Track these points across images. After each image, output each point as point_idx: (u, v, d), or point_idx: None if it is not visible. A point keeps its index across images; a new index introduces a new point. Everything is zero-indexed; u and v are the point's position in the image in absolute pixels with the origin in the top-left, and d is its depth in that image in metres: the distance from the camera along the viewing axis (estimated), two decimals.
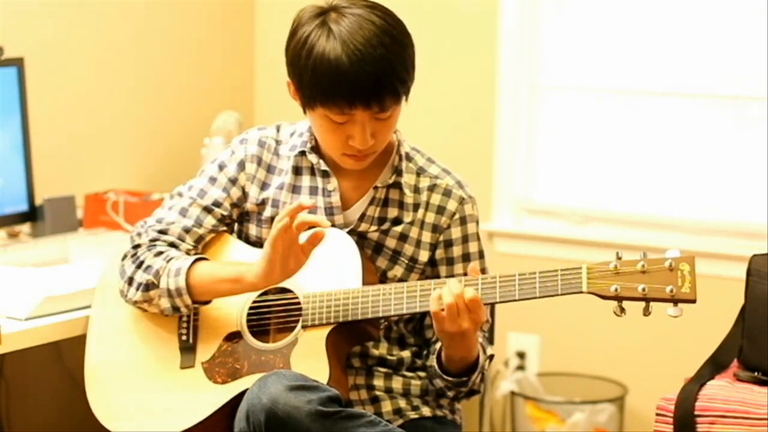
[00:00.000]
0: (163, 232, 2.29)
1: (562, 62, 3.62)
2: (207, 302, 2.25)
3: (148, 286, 2.23)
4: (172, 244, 2.29)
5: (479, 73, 3.64)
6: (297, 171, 2.31)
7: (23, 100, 2.94)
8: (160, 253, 2.26)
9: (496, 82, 3.62)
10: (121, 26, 3.43)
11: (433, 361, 2.23)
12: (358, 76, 2.09)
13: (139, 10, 3.49)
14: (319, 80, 2.11)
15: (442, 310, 2.08)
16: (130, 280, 2.26)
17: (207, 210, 2.31)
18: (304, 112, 2.22)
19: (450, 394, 2.26)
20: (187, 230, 2.29)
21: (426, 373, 2.31)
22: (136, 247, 2.29)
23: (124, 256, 2.29)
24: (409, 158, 2.32)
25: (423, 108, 3.26)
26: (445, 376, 2.20)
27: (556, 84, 3.63)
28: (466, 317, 2.07)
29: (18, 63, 2.93)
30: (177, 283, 2.20)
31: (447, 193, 2.30)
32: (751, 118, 3.40)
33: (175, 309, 2.24)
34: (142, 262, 2.25)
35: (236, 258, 2.30)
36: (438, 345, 2.23)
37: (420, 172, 2.31)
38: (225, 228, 2.34)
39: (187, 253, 2.28)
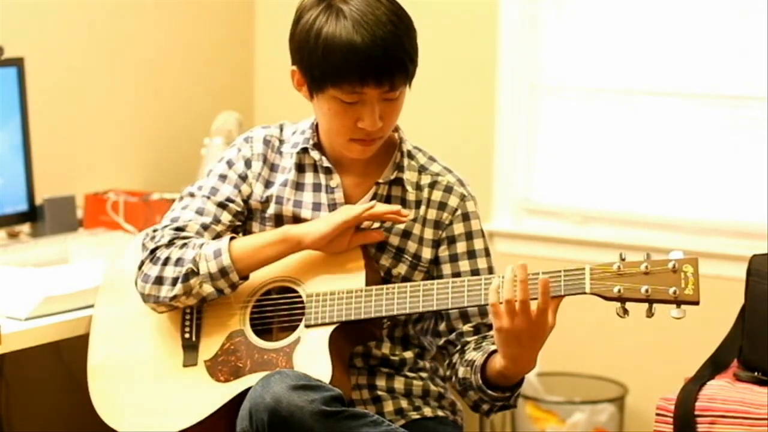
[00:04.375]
0: (180, 229, 2.26)
1: (562, 62, 3.62)
2: (247, 278, 2.23)
3: (188, 276, 2.19)
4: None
5: (479, 72, 3.65)
6: (300, 168, 2.30)
7: (23, 100, 2.94)
8: (185, 244, 2.23)
9: (496, 82, 3.62)
10: (121, 26, 3.43)
11: (471, 374, 2.16)
12: (371, 51, 2.10)
13: (139, 10, 3.49)
14: (330, 59, 2.11)
15: (501, 303, 2.02)
16: (159, 280, 2.22)
17: (222, 206, 2.29)
18: (311, 98, 2.20)
19: (485, 407, 2.19)
20: (205, 227, 2.27)
21: (448, 382, 2.27)
22: (153, 250, 2.24)
23: (141, 264, 2.25)
24: (411, 156, 2.32)
25: (423, 107, 3.26)
26: (489, 391, 2.13)
27: (556, 84, 3.63)
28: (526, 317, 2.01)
29: (18, 63, 2.93)
30: (221, 263, 2.18)
31: (448, 190, 2.30)
32: (751, 118, 3.41)
33: (219, 291, 2.21)
34: (168, 259, 2.21)
35: None
36: (473, 355, 2.18)
37: (422, 169, 2.31)
38: (240, 224, 2.31)
39: None
